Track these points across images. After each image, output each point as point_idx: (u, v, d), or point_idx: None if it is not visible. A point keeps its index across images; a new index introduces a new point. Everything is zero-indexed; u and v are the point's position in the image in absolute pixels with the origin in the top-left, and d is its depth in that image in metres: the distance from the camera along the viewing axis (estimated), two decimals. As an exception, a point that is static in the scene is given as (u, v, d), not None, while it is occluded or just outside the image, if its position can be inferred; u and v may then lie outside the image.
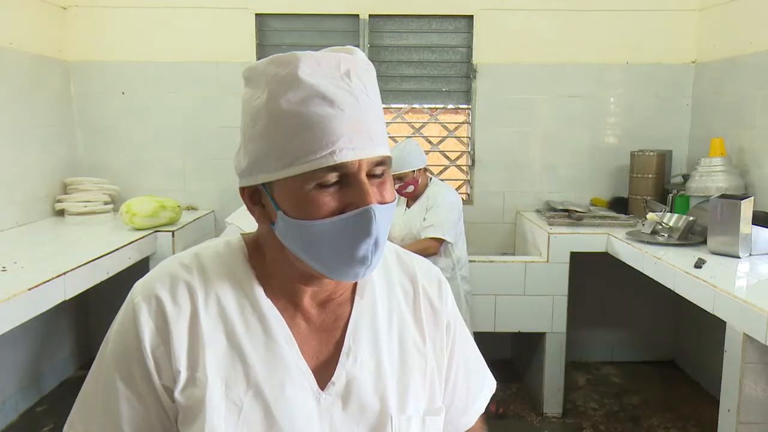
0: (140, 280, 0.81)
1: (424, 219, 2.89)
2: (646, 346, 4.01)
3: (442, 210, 2.86)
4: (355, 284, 0.86)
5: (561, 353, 3.28)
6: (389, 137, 3.87)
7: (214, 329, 0.77)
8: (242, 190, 0.79)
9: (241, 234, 0.87)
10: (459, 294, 2.91)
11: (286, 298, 0.82)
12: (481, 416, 1.01)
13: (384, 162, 0.75)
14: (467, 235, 3.46)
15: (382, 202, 0.74)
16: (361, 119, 0.72)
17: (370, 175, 0.74)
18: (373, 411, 0.80)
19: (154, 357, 0.76)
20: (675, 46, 3.77)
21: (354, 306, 0.84)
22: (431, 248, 2.82)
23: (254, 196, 0.78)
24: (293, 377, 0.78)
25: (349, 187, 0.72)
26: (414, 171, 2.87)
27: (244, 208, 2.61)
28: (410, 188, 2.90)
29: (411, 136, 3.90)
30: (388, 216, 0.76)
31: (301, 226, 0.73)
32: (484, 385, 1.00)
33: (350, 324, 0.83)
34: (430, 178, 3.05)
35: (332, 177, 0.72)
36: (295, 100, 0.72)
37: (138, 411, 0.77)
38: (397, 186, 2.93)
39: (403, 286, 0.89)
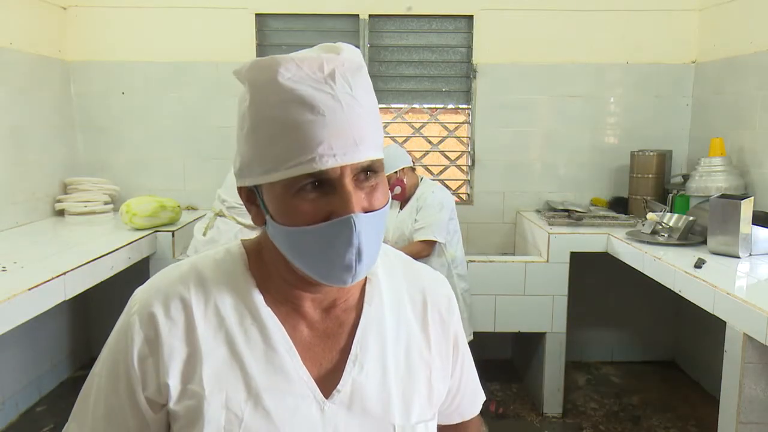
0: (139, 289, 0.82)
1: (415, 221, 2.87)
2: (646, 346, 4.01)
3: (431, 210, 2.84)
4: (363, 291, 0.85)
5: (561, 353, 3.28)
6: (388, 137, 3.88)
7: (212, 340, 0.77)
8: (240, 190, 0.79)
9: (241, 240, 0.86)
10: (456, 293, 2.89)
11: (288, 305, 0.81)
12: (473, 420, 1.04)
13: (372, 166, 0.73)
14: (467, 235, 3.47)
15: (369, 210, 0.72)
16: (344, 124, 0.69)
17: (359, 180, 0.72)
18: (378, 419, 0.80)
19: (141, 369, 0.76)
20: (675, 46, 3.77)
21: (363, 314, 0.84)
22: (423, 251, 2.80)
23: (250, 197, 0.78)
24: (295, 386, 0.78)
25: (332, 194, 0.70)
26: (397, 172, 2.85)
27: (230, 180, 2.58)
28: (398, 190, 2.87)
29: (411, 136, 3.90)
30: (377, 223, 0.73)
31: (286, 232, 0.73)
32: (477, 397, 1.02)
33: (358, 332, 0.82)
34: (421, 178, 3.03)
35: (314, 183, 0.70)
36: (275, 106, 0.70)
37: (118, 419, 0.78)
38: None
39: (412, 295, 0.89)
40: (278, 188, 0.71)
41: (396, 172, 2.85)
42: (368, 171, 0.73)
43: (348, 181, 0.70)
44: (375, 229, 0.74)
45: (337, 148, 0.69)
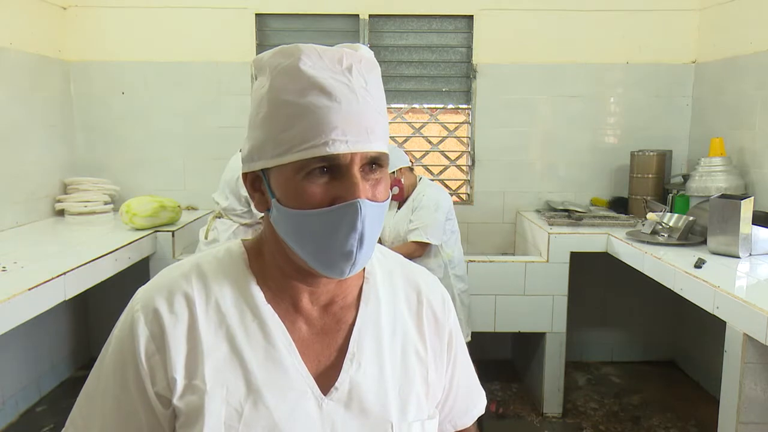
0: (141, 289, 0.82)
1: (410, 221, 2.85)
2: (646, 346, 4.01)
3: (426, 211, 2.82)
4: (360, 291, 0.87)
5: (561, 353, 3.28)
6: (389, 137, 3.87)
7: (214, 336, 0.78)
8: (245, 176, 0.81)
9: (241, 240, 0.88)
10: (453, 294, 2.86)
11: (287, 301, 0.82)
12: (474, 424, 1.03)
13: (379, 159, 0.75)
14: (467, 235, 3.45)
15: (373, 200, 0.74)
16: (358, 114, 0.73)
17: (365, 172, 0.74)
18: (375, 417, 0.81)
19: (149, 365, 0.77)
20: (675, 46, 3.77)
21: (359, 312, 0.85)
22: (416, 252, 2.78)
23: (255, 183, 0.80)
24: (294, 383, 0.78)
25: (340, 180, 0.73)
26: (395, 172, 2.83)
27: (222, 188, 2.68)
28: (395, 190, 2.84)
29: (411, 136, 3.90)
30: (378, 215, 0.75)
31: (291, 215, 0.74)
32: (479, 400, 1.02)
33: (355, 330, 0.83)
34: (420, 178, 3.01)
35: (323, 168, 0.72)
36: (294, 91, 0.73)
37: (130, 417, 0.78)
38: None
39: (407, 295, 0.90)
40: (288, 171, 0.73)
41: (394, 172, 2.84)
42: (374, 164, 0.75)
43: (356, 169, 0.73)
44: (377, 220, 0.76)
45: (350, 135, 0.72)
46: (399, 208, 2.97)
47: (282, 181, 0.75)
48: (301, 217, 0.74)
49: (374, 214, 0.74)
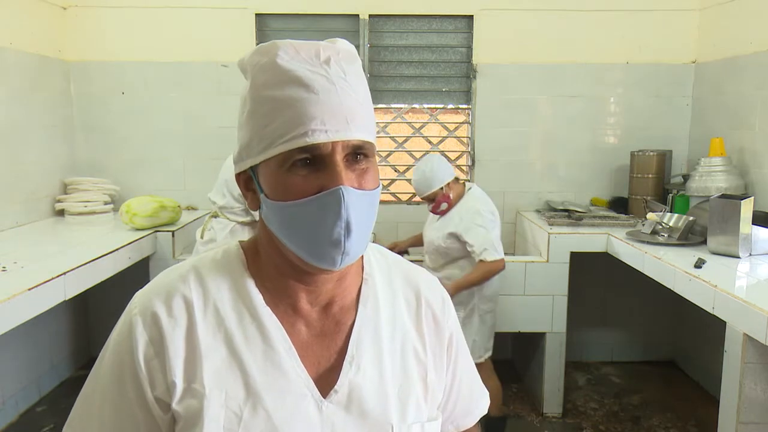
0: (139, 292, 0.82)
1: (470, 245, 2.70)
2: (646, 346, 4.01)
3: (489, 226, 2.71)
4: (359, 292, 0.86)
5: (561, 353, 3.28)
6: (389, 137, 3.88)
7: (212, 339, 0.78)
8: (238, 177, 0.81)
9: (239, 241, 0.87)
10: (473, 312, 2.78)
11: (286, 302, 0.81)
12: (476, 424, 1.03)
13: (363, 148, 0.75)
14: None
15: (360, 189, 0.74)
16: (337, 103, 0.73)
17: (349, 162, 0.74)
18: (375, 419, 0.80)
19: (148, 369, 0.76)
20: (675, 46, 3.77)
21: (358, 314, 0.84)
22: (497, 268, 2.68)
23: (248, 183, 0.80)
24: (293, 386, 0.78)
25: (323, 170, 0.73)
26: (443, 187, 2.75)
27: (219, 185, 2.67)
28: (444, 206, 2.77)
29: (411, 136, 3.90)
30: (366, 203, 0.75)
31: (279, 208, 0.74)
32: (481, 401, 1.01)
33: (354, 332, 0.83)
34: (470, 188, 2.89)
35: (306, 159, 0.72)
36: (273, 86, 0.73)
37: (128, 421, 0.78)
38: (430, 207, 2.82)
39: (407, 296, 0.90)
40: (273, 165, 0.74)
41: (442, 188, 2.74)
42: (359, 154, 0.75)
43: (339, 158, 0.73)
44: (364, 208, 0.75)
45: (330, 125, 0.72)
46: (441, 215, 2.87)
47: (268, 176, 0.75)
48: (288, 209, 0.74)
49: (361, 202, 0.74)
